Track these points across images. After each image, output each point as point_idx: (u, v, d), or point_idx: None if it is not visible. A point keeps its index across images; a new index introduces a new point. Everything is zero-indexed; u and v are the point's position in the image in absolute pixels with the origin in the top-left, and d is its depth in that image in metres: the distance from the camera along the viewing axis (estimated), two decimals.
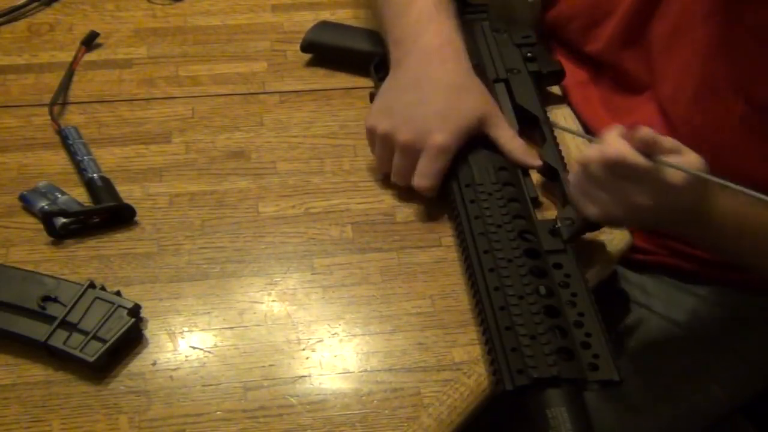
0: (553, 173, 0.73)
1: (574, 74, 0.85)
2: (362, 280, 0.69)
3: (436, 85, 0.71)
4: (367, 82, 0.86)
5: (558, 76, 0.83)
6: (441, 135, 0.69)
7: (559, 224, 0.67)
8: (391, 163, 0.73)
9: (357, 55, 0.87)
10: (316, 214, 0.74)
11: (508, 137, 0.72)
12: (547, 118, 0.78)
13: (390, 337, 0.65)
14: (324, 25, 0.90)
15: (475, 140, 0.73)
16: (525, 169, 0.73)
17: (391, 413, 0.61)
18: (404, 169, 0.72)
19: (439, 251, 0.71)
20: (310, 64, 0.89)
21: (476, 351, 0.64)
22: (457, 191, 0.71)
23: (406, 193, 0.75)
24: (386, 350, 0.64)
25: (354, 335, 0.65)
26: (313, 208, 0.74)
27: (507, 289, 0.62)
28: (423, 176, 0.71)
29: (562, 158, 0.74)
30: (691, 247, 0.77)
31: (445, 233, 0.73)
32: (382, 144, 0.72)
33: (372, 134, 0.74)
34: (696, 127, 0.73)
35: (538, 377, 0.57)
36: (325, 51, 0.88)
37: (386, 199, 0.75)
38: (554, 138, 0.75)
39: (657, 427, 0.78)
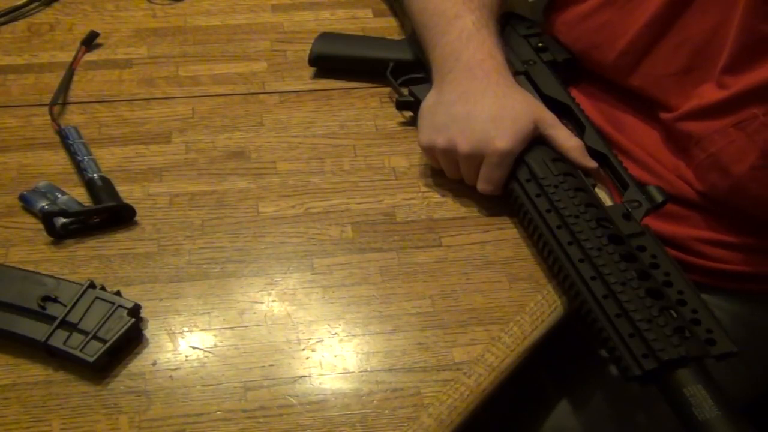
0: (600, 158, 0.73)
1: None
2: (362, 280, 0.69)
3: (483, 95, 0.72)
4: (367, 83, 0.86)
5: (573, 63, 0.82)
6: (501, 141, 0.70)
7: (629, 208, 0.68)
8: (459, 171, 0.74)
9: (368, 63, 0.86)
10: (316, 214, 0.74)
11: (565, 136, 0.73)
12: (578, 104, 0.77)
13: (390, 337, 0.65)
14: (327, 36, 0.89)
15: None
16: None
17: (391, 413, 0.61)
18: (473, 174, 0.73)
19: (439, 251, 0.71)
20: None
21: (476, 351, 0.64)
22: (520, 190, 0.71)
23: (406, 193, 0.75)
24: (386, 350, 0.64)
25: (354, 335, 0.65)
26: (313, 208, 0.74)
27: (608, 277, 0.62)
28: (487, 182, 0.72)
29: (606, 142, 0.74)
30: (703, 259, 0.78)
31: (445, 233, 0.73)
32: (445, 158, 0.74)
33: (430, 151, 0.75)
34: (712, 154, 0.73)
35: (669, 359, 0.57)
36: (334, 62, 0.87)
37: (386, 199, 0.75)
38: (591, 123, 0.75)
39: (653, 424, 0.78)
